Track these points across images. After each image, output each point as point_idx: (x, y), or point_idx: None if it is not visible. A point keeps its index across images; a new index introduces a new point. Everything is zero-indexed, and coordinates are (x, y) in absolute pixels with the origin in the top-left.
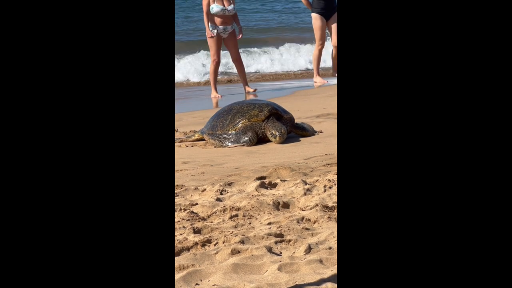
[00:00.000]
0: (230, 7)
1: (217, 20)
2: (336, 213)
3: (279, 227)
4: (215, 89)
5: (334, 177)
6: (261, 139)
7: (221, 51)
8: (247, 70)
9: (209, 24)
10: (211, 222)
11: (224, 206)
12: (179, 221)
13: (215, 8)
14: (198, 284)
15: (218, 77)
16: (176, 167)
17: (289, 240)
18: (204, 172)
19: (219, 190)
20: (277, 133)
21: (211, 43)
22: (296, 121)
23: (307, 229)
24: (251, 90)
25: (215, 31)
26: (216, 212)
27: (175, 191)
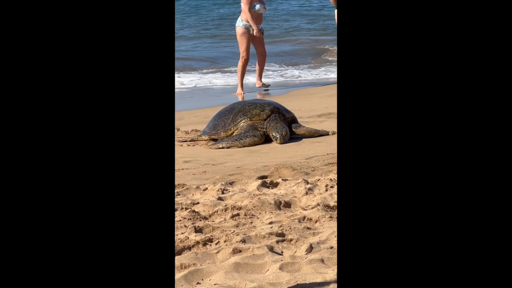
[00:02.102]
0: (266, 5)
1: (255, 18)
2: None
3: (281, 226)
4: (241, 86)
5: (335, 176)
6: None
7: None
8: None
9: (242, 21)
10: (213, 221)
11: (225, 205)
12: (180, 220)
13: (257, 6)
14: (200, 283)
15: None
16: (178, 166)
17: (291, 240)
18: (206, 171)
19: (221, 189)
20: (278, 135)
21: (242, 40)
22: (298, 120)
23: (308, 228)
24: (262, 84)
25: (251, 28)
26: (217, 211)
27: (177, 190)
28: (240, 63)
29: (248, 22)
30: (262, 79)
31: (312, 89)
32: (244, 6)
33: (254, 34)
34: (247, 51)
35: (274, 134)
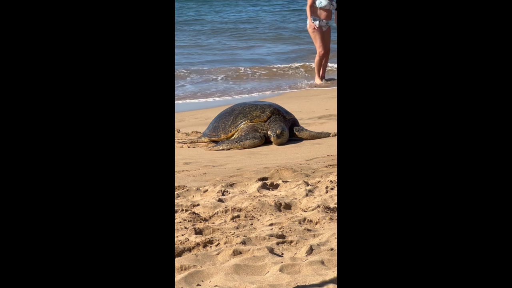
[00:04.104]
0: (334, 2)
1: (322, 14)
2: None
3: (281, 228)
4: (319, 77)
5: (336, 178)
6: None
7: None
8: None
9: (312, 16)
10: (213, 223)
11: (225, 207)
12: (180, 222)
13: (323, 2)
14: (200, 285)
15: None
16: (178, 168)
17: (291, 241)
18: (206, 173)
19: (221, 191)
20: (272, 134)
21: (315, 35)
22: (299, 122)
23: (308, 230)
24: (322, 82)
25: (317, 22)
26: (217, 213)
27: (177, 192)
28: (317, 58)
29: (318, 17)
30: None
31: (312, 91)
32: (308, 0)
33: (307, 27)
34: (322, 45)
35: (269, 133)
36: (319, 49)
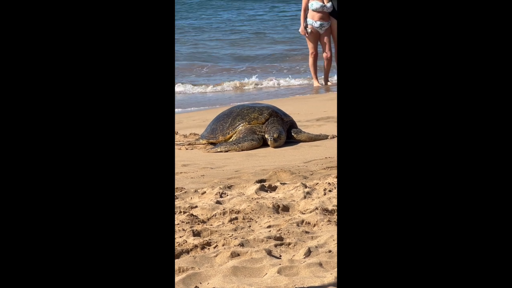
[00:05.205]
0: (329, 4)
1: (316, 16)
2: (336, 217)
3: (279, 230)
4: (316, 79)
5: (334, 180)
6: None
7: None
8: None
9: (306, 19)
10: (211, 225)
11: (223, 209)
12: (178, 224)
13: (315, 4)
14: (198, 287)
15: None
16: (176, 170)
17: (289, 243)
18: (204, 175)
19: (219, 193)
20: (269, 137)
21: (309, 38)
22: (297, 124)
23: (306, 232)
24: (319, 84)
25: (310, 24)
26: (215, 215)
27: (175, 194)
28: (310, 60)
29: (312, 19)
30: (319, 79)
31: (311, 93)
32: (303, 2)
33: (299, 30)
34: (315, 47)
35: (266, 136)
36: (311, 50)
